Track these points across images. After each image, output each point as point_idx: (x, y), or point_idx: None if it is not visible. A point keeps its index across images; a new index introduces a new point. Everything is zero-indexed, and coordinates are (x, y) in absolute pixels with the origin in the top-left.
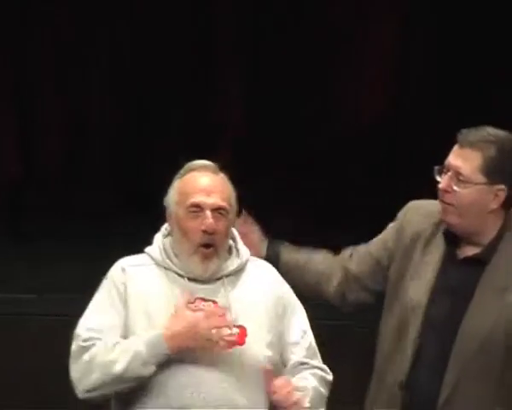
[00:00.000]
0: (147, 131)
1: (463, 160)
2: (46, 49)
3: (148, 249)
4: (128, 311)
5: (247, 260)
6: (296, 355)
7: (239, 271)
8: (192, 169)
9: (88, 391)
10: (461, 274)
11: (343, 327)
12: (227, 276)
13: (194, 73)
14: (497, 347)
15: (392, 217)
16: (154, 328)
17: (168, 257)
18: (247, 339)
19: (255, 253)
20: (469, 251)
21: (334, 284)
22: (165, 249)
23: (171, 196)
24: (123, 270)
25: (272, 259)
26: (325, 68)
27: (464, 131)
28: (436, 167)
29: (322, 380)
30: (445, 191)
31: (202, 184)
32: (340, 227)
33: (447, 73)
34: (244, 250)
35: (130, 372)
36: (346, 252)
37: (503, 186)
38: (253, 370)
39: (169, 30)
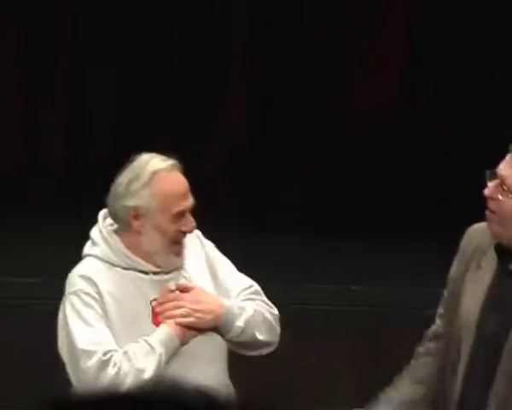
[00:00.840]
0: (151, 118)
1: (510, 169)
2: (56, 37)
3: (97, 253)
4: (108, 320)
5: None
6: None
7: None
8: (161, 169)
9: None
10: (510, 288)
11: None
12: None
13: (196, 72)
14: None
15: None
16: (139, 331)
17: (127, 256)
18: None
19: None
20: None
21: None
22: (119, 249)
23: (148, 201)
24: (90, 280)
25: None
26: (330, 68)
27: None
28: (487, 172)
29: (268, 311)
30: (490, 198)
31: (181, 188)
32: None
33: (454, 71)
34: None
35: (157, 375)
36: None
37: None
38: (215, 338)
39: (173, 29)
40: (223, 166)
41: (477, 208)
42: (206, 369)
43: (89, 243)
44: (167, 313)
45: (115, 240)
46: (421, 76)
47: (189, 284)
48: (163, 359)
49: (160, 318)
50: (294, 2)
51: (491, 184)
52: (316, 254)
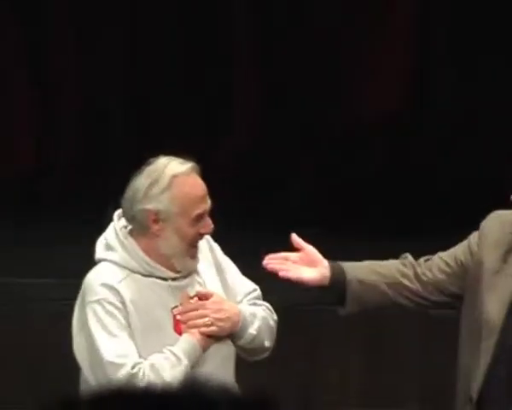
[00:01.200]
0: (153, 117)
1: None
2: (61, 38)
3: (114, 258)
4: (131, 329)
5: None
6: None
7: None
8: (181, 173)
9: None
10: None
11: None
12: None
13: (197, 72)
14: None
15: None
16: (161, 340)
17: (146, 262)
18: None
19: (320, 272)
20: None
21: (409, 296)
22: (137, 255)
23: (168, 205)
24: (113, 289)
25: (338, 277)
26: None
27: None
28: None
29: (271, 317)
30: None
31: (200, 191)
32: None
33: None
34: None
35: None
36: (417, 261)
37: None
38: (228, 344)
39: (173, 29)
40: (225, 166)
41: (477, 208)
42: (217, 371)
43: (102, 246)
44: (191, 323)
45: (132, 244)
46: (422, 76)
47: (208, 291)
48: (188, 369)
49: (183, 327)
50: (294, 2)
51: None
52: None
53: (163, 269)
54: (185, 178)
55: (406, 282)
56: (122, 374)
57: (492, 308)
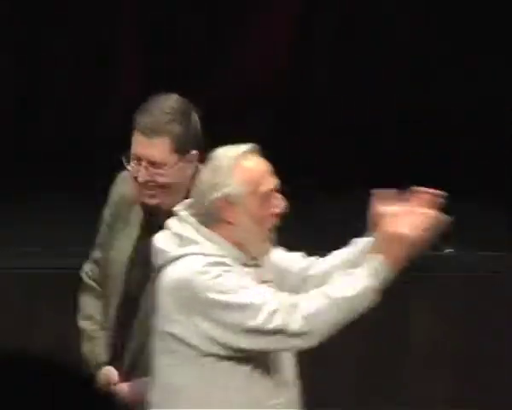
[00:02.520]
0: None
1: (153, 148)
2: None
3: (201, 250)
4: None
5: None
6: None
7: None
8: (241, 154)
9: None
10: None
11: None
12: None
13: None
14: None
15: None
16: None
17: (232, 249)
18: None
19: None
20: (162, 219)
21: None
22: (224, 243)
23: (235, 187)
24: (220, 263)
25: None
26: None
27: (140, 117)
28: (124, 158)
29: None
30: (148, 182)
31: (263, 167)
32: None
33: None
34: None
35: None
36: None
37: (194, 152)
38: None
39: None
40: None
41: None
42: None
43: (175, 242)
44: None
45: (212, 234)
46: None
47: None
48: (378, 287)
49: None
50: None
51: (141, 171)
52: None
53: (242, 255)
54: (246, 157)
55: None
56: (284, 314)
57: (116, 262)
